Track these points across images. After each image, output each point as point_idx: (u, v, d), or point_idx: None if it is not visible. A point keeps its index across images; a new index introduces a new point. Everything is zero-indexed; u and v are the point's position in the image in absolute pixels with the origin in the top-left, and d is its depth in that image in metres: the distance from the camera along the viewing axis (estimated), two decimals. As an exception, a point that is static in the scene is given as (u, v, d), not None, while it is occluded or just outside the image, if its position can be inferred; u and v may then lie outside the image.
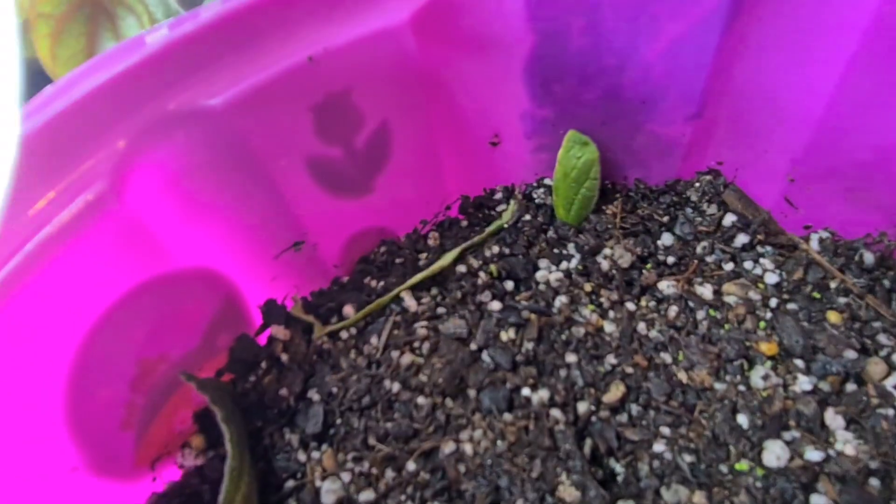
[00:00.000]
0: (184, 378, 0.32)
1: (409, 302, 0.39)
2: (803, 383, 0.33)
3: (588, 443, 0.32)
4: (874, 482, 0.30)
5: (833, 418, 0.32)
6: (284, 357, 0.38)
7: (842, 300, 0.36)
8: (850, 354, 0.34)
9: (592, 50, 0.34)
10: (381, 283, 0.41)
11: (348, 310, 0.39)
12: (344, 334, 0.38)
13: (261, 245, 0.36)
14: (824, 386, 0.33)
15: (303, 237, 0.38)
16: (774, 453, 0.30)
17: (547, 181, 0.43)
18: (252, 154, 0.32)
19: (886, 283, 0.36)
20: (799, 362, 0.34)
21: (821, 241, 0.38)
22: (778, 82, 0.34)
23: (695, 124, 0.38)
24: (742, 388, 0.33)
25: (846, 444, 0.31)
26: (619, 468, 0.32)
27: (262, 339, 0.39)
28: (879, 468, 0.30)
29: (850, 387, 0.33)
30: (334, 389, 0.36)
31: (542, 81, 0.36)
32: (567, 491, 0.30)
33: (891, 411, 0.32)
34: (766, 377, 0.33)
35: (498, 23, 0.34)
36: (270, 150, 0.33)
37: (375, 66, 0.32)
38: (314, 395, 0.36)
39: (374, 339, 0.38)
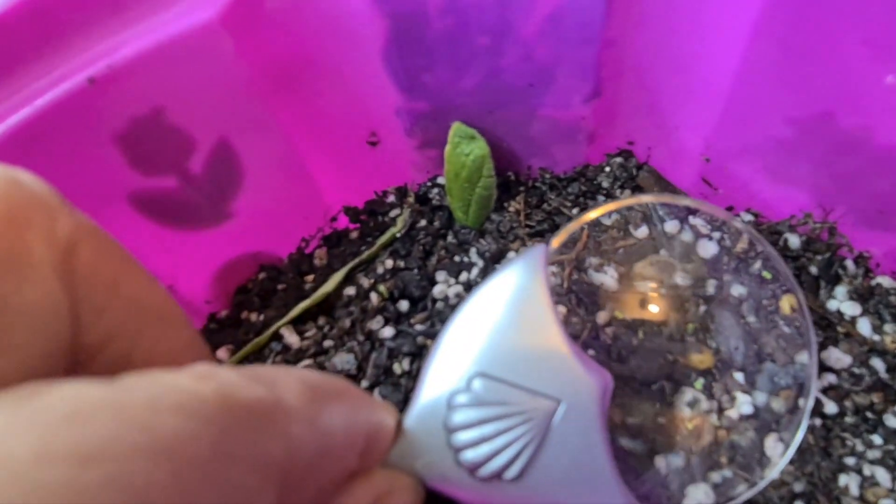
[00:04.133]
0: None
1: (291, 338, 0.34)
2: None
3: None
4: (799, 507, 0.27)
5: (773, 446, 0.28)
6: (149, 419, 0.33)
7: (766, 292, 0.32)
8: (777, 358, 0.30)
9: (458, 31, 0.29)
10: (261, 317, 0.36)
11: (222, 353, 0.35)
12: (218, 384, 0.34)
13: (98, 298, 0.31)
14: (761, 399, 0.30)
15: (152, 280, 0.32)
16: (696, 499, 0.27)
17: (441, 180, 0.38)
18: (48, 203, 0.26)
19: (814, 269, 0.32)
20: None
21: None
22: (680, 53, 0.29)
23: (595, 104, 0.33)
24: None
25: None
26: None
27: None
28: (805, 490, 0.27)
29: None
30: (205, 453, 0.31)
31: (408, 71, 0.31)
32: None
33: (818, 421, 0.29)
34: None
35: (341, 7, 0.28)
36: (70, 192, 0.27)
37: (186, 80, 0.26)
38: (184, 461, 0.32)
39: (250, 388, 0.33)
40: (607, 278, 0.30)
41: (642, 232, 0.31)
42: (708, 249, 0.31)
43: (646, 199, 0.30)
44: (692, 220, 0.31)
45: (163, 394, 0.13)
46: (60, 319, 0.15)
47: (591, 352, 0.30)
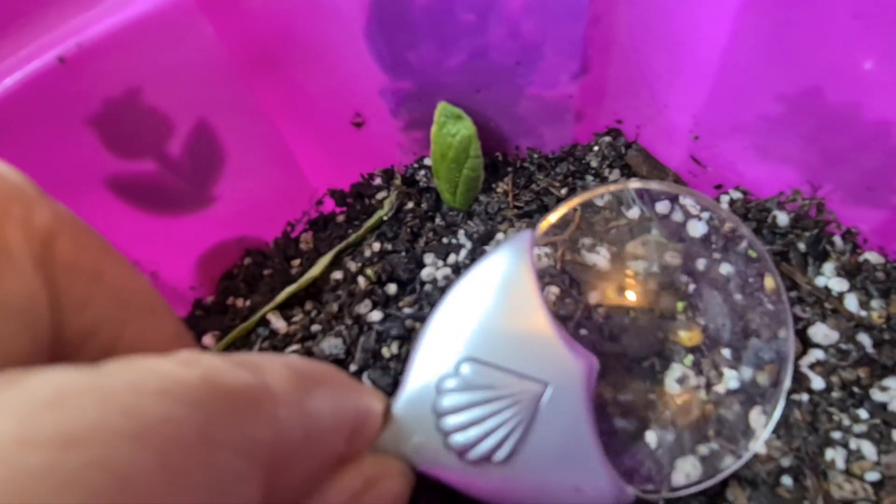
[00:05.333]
0: None
1: (278, 323, 0.34)
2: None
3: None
4: (786, 481, 0.27)
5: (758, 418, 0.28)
6: (136, 407, 0.32)
7: (755, 270, 0.32)
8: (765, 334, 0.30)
9: (442, 7, 0.28)
10: (248, 303, 0.36)
11: (208, 340, 0.34)
12: (205, 371, 0.33)
13: (79, 286, 0.30)
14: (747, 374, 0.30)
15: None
16: (684, 472, 0.27)
17: (428, 161, 0.38)
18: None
19: (802, 246, 0.32)
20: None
21: (731, 202, 0.34)
22: (668, 30, 0.28)
23: (582, 82, 0.32)
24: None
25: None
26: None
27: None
28: (792, 465, 0.27)
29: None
30: (194, 441, 0.31)
31: (392, 50, 0.30)
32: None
33: (805, 396, 0.29)
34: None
35: (321, -17, 0.27)
36: (45, 177, 0.26)
37: (161, 59, 0.25)
38: (172, 448, 0.31)
39: (238, 374, 0.33)
40: (600, 258, 0.30)
41: (634, 212, 0.31)
42: (697, 229, 0.31)
43: (633, 185, 0.30)
44: (682, 200, 0.30)
45: (147, 378, 0.12)
46: (41, 311, 0.15)
47: (583, 331, 0.30)
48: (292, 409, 0.15)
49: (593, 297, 0.30)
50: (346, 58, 0.30)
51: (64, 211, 0.16)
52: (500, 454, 0.23)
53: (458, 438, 0.22)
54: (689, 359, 0.29)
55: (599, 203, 0.30)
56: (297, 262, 0.37)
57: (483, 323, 0.24)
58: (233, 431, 0.13)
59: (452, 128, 0.34)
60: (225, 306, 0.36)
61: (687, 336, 0.29)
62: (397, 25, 0.28)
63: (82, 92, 0.24)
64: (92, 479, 0.10)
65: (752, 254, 0.30)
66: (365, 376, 0.31)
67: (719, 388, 0.28)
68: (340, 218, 0.38)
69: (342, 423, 0.18)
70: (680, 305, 0.30)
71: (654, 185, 0.30)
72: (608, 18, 0.28)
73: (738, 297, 0.30)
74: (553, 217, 0.29)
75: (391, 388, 0.30)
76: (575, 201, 0.29)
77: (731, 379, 0.28)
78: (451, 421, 0.23)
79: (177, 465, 0.12)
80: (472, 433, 0.23)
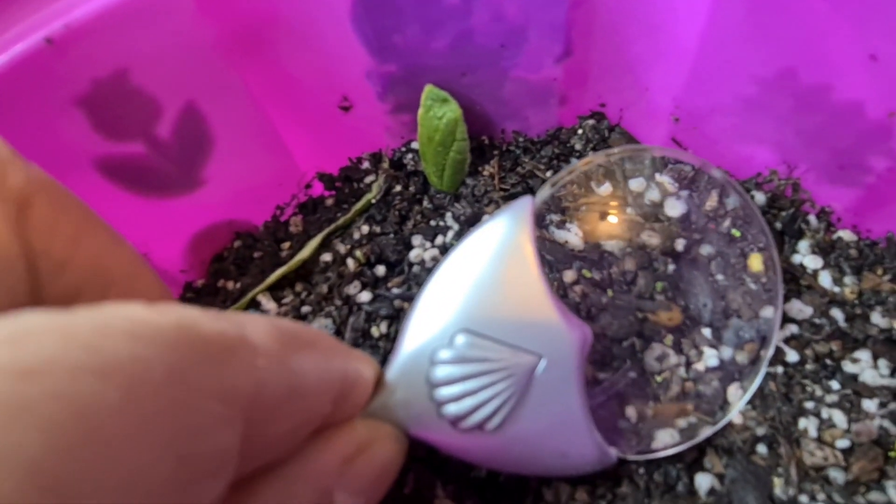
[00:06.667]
0: None
1: (268, 304, 0.34)
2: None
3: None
4: (761, 449, 0.28)
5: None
6: (128, 388, 0.33)
7: (733, 249, 0.33)
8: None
9: (427, -10, 0.28)
10: (238, 285, 0.36)
11: (199, 322, 0.35)
12: (196, 352, 0.34)
13: (69, 268, 0.30)
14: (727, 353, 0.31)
15: (125, 249, 0.32)
16: (662, 441, 0.28)
17: (415, 144, 0.38)
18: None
19: (778, 225, 0.33)
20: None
21: (712, 183, 0.35)
22: (648, 11, 0.29)
23: (566, 65, 0.33)
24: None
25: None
26: (501, 466, 0.29)
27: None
28: (766, 434, 0.28)
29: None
30: (186, 419, 0.32)
31: (377, 32, 0.30)
32: (442, 504, 0.27)
33: (780, 369, 0.30)
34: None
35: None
36: (34, 159, 0.26)
37: (149, 39, 0.25)
38: (165, 427, 0.32)
39: (229, 354, 0.33)
40: (571, 236, 0.30)
41: (605, 189, 0.30)
42: (676, 208, 0.31)
43: (658, 153, 0.29)
44: (658, 177, 0.30)
45: (115, 320, 0.12)
46: (17, 273, 0.15)
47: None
48: (273, 362, 0.15)
49: (568, 276, 0.30)
50: (332, 40, 0.30)
51: (40, 174, 0.17)
52: (493, 423, 0.23)
53: (451, 409, 0.23)
54: (670, 338, 0.29)
55: (567, 178, 0.29)
56: (286, 244, 0.38)
57: (479, 293, 0.24)
58: (207, 376, 0.13)
59: (439, 111, 0.34)
60: (216, 289, 0.36)
61: (667, 316, 0.29)
62: (383, 8, 0.29)
63: (70, 73, 0.25)
64: (49, 410, 0.10)
65: (736, 233, 0.30)
66: (354, 355, 0.32)
67: (699, 367, 0.29)
68: (329, 201, 0.39)
69: (328, 383, 0.18)
70: (659, 286, 0.31)
71: (679, 154, 0.29)
72: (590, 1, 0.29)
73: (719, 277, 0.30)
74: (554, 181, 0.28)
75: (382, 366, 0.31)
76: (584, 162, 0.28)
77: (710, 357, 0.29)
78: (445, 392, 0.23)
79: (143, 404, 0.11)
80: (466, 404, 0.23)
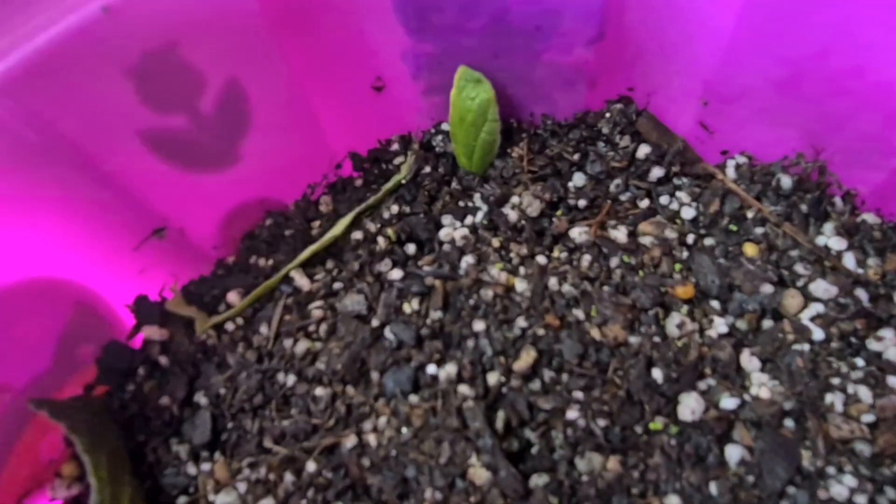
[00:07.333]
0: (32, 407, 0.28)
1: (301, 280, 0.35)
2: (719, 326, 0.31)
3: (500, 416, 0.30)
4: (789, 423, 0.29)
5: (749, 360, 0.30)
6: (164, 360, 0.33)
7: (759, 230, 0.34)
8: (767, 289, 0.32)
9: (468, -31, 0.29)
10: (270, 262, 0.37)
11: (233, 297, 0.35)
12: (230, 325, 0.34)
13: (110, 239, 0.31)
14: (741, 325, 0.32)
15: (163, 223, 0.33)
16: (689, 407, 0.29)
17: (445, 126, 0.39)
18: (60, 136, 0.26)
19: (804, 207, 0.34)
20: (715, 303, 0.32)
21: (737, 167, 0.36)
22: (683, -6, 0.29)
23: (597, 48, 0.33)
24: (657, 339, 0.31)
25: (761, 386, 0.30)
26: (533, 438, 0.30)
27: (139, 342, 0.34)
28: (794, 408, 0.29)
29: (767, 323, 0.32)
30: (222, 391, 0.32)
31: (417, 12, 0.31)
32: (477, 473, 0.28)
33: (806, 346, 0.30)
34: (681, 325, 0.31)
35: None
36: (84, 128, 0.27)
37: (199, 13, 0.26)
38: (201, 398, 0.32)
39: (263, 328, 0.34)
40: (619, 234, 0.35)
41: (644, 203, 0.37)
42: (689, 213, 0.36)
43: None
44: (678, 194, 0.36)
45: None
46: None
47: (605, 288, 0.33)
48: None
49: (613, 262, 0.34)
50: (372, 19, 0.31)
51: None
52: None
53: None
54: (685, 309, 0.32)
55: (623, 198, 0.37)
56: (316, 223, 0.38)
57: None
58: None
59: (472, 91, 0.35)
60: (248, 265, 0.37)
61: (683, 290, 0.33)
62: (424, -14, 0.29)
63: (123, 43, 0.25)
64: None
65: (733, 227, 0.35)
66: (388, 330, 0.32)
67: (711, 333, 0.32)
68: (358, 182, 0.39)
69: None
70: (677, 266, 0.33)
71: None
72: (626, -16, 0.30)
73: (722, 260, 0.34)
74: None
75: (414, 341, 0.32)
76: None
77: (719, 325, 0.32)
78: None
79: None
80: None
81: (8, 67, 0.23)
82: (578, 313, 0.32)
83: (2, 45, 0.23)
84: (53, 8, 0.23)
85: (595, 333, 0.31)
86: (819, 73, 0.29)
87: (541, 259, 0.34)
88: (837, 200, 0.34)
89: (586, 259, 0.34)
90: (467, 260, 0.34)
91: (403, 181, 0.38)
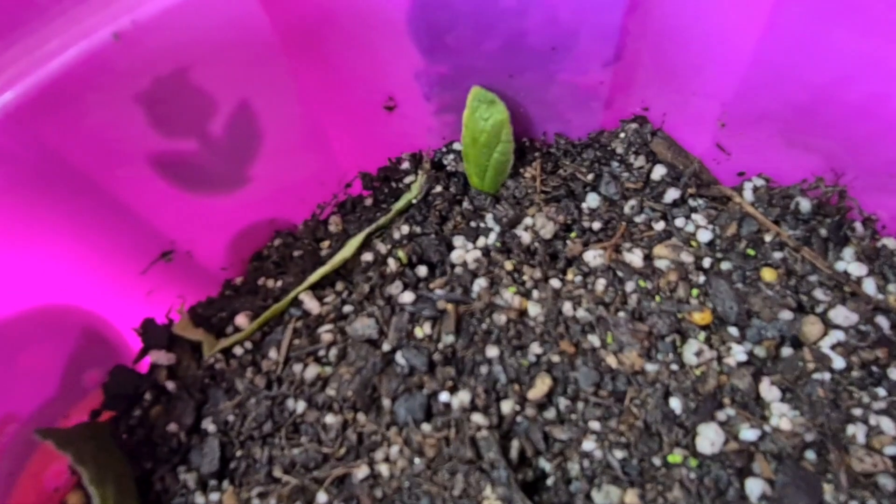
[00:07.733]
0: (39, 437, 0.27)
1: (311, 303, 0.34)
2: (738, 353, 0.31)
3: (514, 446, 0.29)
4: (810, 455, 0.28)
5: (768, 389, 0.30)
6: (171, 385, 0.33)
7: (777, 255, 0.33)
8: (786, 315, 0.31)
9: (485, -9, 0.28)
10: (279, 283, 0.36)
11: (241, 320, 0.35)
12: (238, 350, 0.34)
13: (117, 263, 0.30)
14: (760, 352, 0.31)
15: (171, 245, 0.32)
16: (708, 439, 0.28)
17: (457, 146, 0.38)
18: (69, 160, 0.25)
19: (823, 231, 0.33)
20: (733, 330, 0.32)
21: (755, 189, 0.35)
22: (703, 18, 0.29)
23: (614, 69, 0.33)
24: (675, 367, 0.31)
25: (782, 417, 0.29)
26: (549, 468, 0.29)
27: (145, 366, 0.34)
28: (815, 440, 0.28)
29: (786, 351, 0.31)
30: (231, 417, 0.32)
31: (432, 32, 0.30)
32: (493, 506, 0.28)
33: (827, 375, 0.30)
34: (699, 353, 0.31)
35: (366, -35, 0.27)
36: (93, 153, 0.26)
37: (211, 37, 0.25)
38: (209, 425, 0.32)
39: (272, 353, 0.33)
40: (635, 258, 0.34)
41: (660, 226, 0.36)
42: (705, 236, 0.35)
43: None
44: (693, 216, 0.36)
45: None
46: None
47: (620, 314, 0.32)
48: None
49: (628, 286, 0.33)
50: (385, 39, 0.30)
51: None
52: None
53: None
54: (703, 335, 0.32)
55: (638, 220, 0.36)
56: (326, 243, 0.38)
57: None
58: None
59: (485, 112, 0.34)
60: (256, 287, 0.36)
61: (700, 316, 0.32)
62: (440, 9, 0.29)
63: (134, 69, 0.24)
64: None
65: (751, 252, 0.34)
66: (399, 355, 0.32)
67: (730, 361, 0.31)
68: (368, 201, 0.39)
69: None
70: (694, 292, 0.33)
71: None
72: (645, 7, 0.29)
73: (739, 285, 0.33)
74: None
75: (426, 367, 0.31)
76: None
77: (738, 352, 0.31)
78: None
79: None
80: None
81: (19, 93, 0.23)
82: (594, 340, 0.32)
83: (13, 70, 0.23)
84: (65, 34, 0.23)
85: (611, 361, 0.31)
86: (841, 99, 0.29)
87: (555, 283, 0.34)
88: (857, 225, 0.33)
89: (601, 283, 0.33)
90: (480, 283, 0.34)
91: (414, 200, 0.37)
